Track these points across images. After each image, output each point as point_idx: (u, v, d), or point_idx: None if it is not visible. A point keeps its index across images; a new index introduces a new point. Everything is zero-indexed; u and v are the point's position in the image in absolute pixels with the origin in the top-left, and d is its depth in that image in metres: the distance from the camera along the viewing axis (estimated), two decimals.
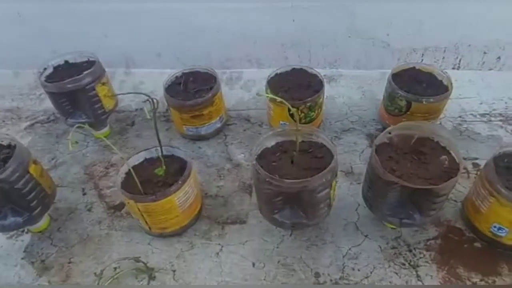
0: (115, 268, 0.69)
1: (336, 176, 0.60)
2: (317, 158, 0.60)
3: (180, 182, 0.64)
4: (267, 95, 0.52)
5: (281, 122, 0.89)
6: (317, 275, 0.66)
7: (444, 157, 0.61)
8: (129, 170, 0.65)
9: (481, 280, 0.64)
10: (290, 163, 0.60)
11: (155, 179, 0.69)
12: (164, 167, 0.67)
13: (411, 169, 0.60)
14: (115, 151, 0.94)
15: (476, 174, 0.81)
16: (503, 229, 0.63)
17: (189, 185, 0.67)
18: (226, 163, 0.88)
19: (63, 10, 1.05)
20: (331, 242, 0.71)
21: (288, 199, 0.61)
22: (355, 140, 0.92)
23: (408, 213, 0.63)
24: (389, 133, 0.65)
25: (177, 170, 0.69)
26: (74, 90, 0.82)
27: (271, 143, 0.65)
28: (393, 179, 0.57)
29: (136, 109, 1.06)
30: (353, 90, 1.07)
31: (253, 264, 0.68)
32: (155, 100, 0.60)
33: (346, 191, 0.80)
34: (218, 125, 0.93)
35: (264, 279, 0.66)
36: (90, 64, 0.87)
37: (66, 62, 0.89)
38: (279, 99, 0.52)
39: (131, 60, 1.14)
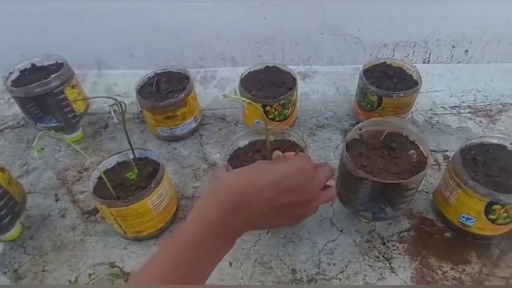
0: (90, 275, 0.68)
1: None
2: None
3: (152, 185, 0.64)
4: (233, 97, 0.51)
5: (255, 121, 0.89)
6: (293, 271, 0.67)
7: (412, 151, 0.62)
8: (103, 174, 0.64)
9: (451, 269, 0.66)
10: None
11: (128, 182, 0.68)
12: (136, 170, 0.66)
13: (381, 164, 0.61)
14: (87, 155, 0.93)
15: (446, 166, 0.83)
16: (471, 219, 0.65)
17: (162, 187, 0.67)
18: (202, 163, 0.88)
19: (31, 11, 1.02)
20: (307, 239, 0.72)
21: None
22: (329, 136, 0.93)
23: (380, 207, 0.64)
24: (360, 129, 0.66)
25: (150, 172, 0.69)
26: (42, 94, 0.79)
27: (243, 142, 0.65)
28: (363, 175, 0.58)
29: (109, 112, 1.04)
30: (328, 86, 1.08)
31: (230, 264, 0.68)
32: (123, 104, 0.59)
33: None
34: (193, 125, 0.93)
35: (241, 278, 0.66)
36: (58, 67, 0.85)
37: (33, 65, 0.87)
38: (246, 100, 0.51)
39: (103, 61, 1.12)
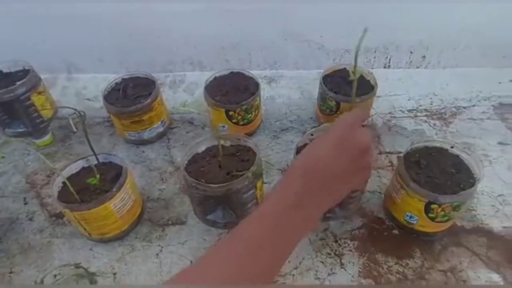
0: (55, 275, 0.70)
1: (260, 178, 0.64)
2: (243, 161, 0.64)
3: (114, 189, 0.67)
4: (182, 108, 0.55)
5: (220, 125, 0.93)
6: None
7: None
8: (66, 179, 0.67)
9: (396, 264, 0.71)
10: (218, 167, 0.64)
11: (92, 187, 0.71)
12: (97, 176, 0.69)
13: None
14: (57, 159, 0.95)
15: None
16: (414, 217, 0.70)
17: (125, 191, 0.70)
18: (169, 166, 0.91)
19: None
20: None
21: (218, 201, 0.65)
22: (292, 139, 0.97)
23: (329, 208, 0.69)
24: (312, 134, 0.70)
25: (114, 177, 0.72)
26: (9, 101, 0.81)
27: (201, 148, 0.68)
28: None
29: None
30: (293, 90, 1.12)
31: (191, 262, 0.72)
32: (82, 113, 0.62)
33: None
34: (160, 129, 0.96)
35: None
36: (24, 73, 0.87)
37: (0, 72, 0.88)
38: (195, 110, 0.55)
39: (73, 65, 1.14)
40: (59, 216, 0.81)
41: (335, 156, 0.48)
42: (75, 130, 0.62)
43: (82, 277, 0.70)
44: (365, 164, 0.52)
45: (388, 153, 0.93)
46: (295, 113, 1.05)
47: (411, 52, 1.11)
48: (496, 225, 0.76)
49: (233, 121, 0.90)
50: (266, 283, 0.46)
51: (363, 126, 0.55)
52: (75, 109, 0.61)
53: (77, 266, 0.71)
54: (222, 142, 0.69)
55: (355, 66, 0.56)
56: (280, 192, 0.48)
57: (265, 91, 1.11)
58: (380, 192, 0.84)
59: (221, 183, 0.59)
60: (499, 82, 1.10)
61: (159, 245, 0.75)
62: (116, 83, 0.93)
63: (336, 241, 0.75)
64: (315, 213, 0.50)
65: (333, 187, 0.49)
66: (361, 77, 0.94)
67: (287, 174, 0.49)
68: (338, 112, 0.90)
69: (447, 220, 0.68)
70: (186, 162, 0.65)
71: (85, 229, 0.70)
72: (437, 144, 0.74)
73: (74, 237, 0.77)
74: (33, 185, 0.89)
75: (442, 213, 0.66)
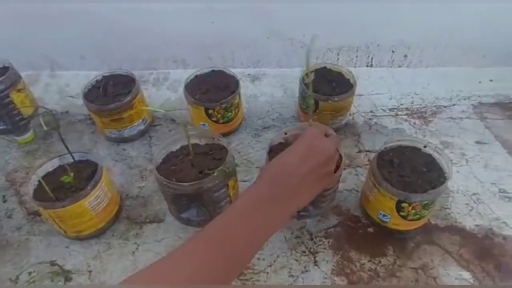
0: (29, 273, 0.71)
1: (232, 177, 0.65)
2: (215, 160, 0.65)
3: (89, 187, 0.67)
4: (151, 108, 0.55)
5: (201, 123, 0.93)
6: None
7: None
8: (42, 177, 0.67)
9: (368, 261, 0.72)
10: (191, 166, 0.65)
11: (67, 185, 0.71)
12: (71, 174, 0.69)
13: None
14: (37, 157, 0.95)
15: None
16: (387, 215, 0.71)
17: (100, 189, 0.70)
18: (149, 164, 0.92)
19: None
20: None
21: (191, 199, 0.66)
22: (273, 137, 0.97)
23: (304, 207, 0.69)
24: (285, 133, 0.71)
25: (89, 174, 0.72)
26: None
27: (176, 147, 0.69)
28: None
29: (62, 113, 1.06)
30: (276, 88, 1.12)
31: None
32: (53, 112, 0.62)
33: None
34: (142, 127, 0.96)
35: None
36: (4, 70, 0.87)
37: None
38: (161, 110, 0.55)
39: (55, 62, 1.14)
40: (37, 214, 0.81)
41: (301, 163, 0.54)
42: (45, 128, 0.62)
43: (57, 274, 0.70)
44: (329, 170, 0.58)
45: (368, 151, 0.94)
46: (278, 111, 1.05)
47: (393, 51, 1.12)
48: (469, 223, 0.77)
49: (213, 119, 0.90)
50: (231, 278, 0.49)
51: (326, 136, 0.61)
52: (46, 108, 0.62)
53: (52, 263, 0.72)
54: (197, 141, 0.70)
55: (307, 69, 0.58)
56: (250, 194, 0.52)
57: (248, 89, 1.12)
58: (357, 190, 0.84)
59: (192, 181, 0.60)
60: (479, 82, 1.11)
61: (135, 243, 0.76)
62: (97, 81, 0.93)
63: (311, 239, 0.76)
64: (284, 213, 0.54)
65: (301, 191, 0.54)
66: (341, 76, 0.95)
67: (257, 179, 0.54)
68: (317, 110, 0.91)
69: (419, 219, 0.69)
70: (160, 160, 0.66)
71: (60, 227, 0.71)
72: (411, 143, 0.74)
73: (51, 235, 0.78)
74: (13, 182, 0.89)
75: (413, 211, 0.67)
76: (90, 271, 0.72)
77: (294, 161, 0.54)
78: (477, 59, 1.11)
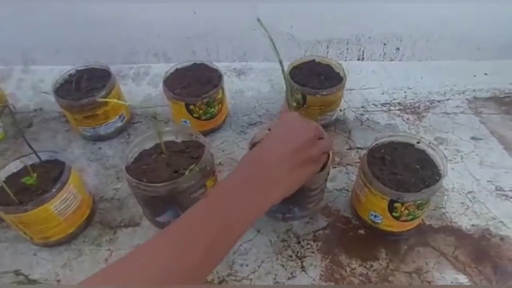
0: None
1: (211, 176, 0.60)
2: (192, 158, 0.59)
3: (54, 190, 0.62)
4: (103, 100, 0.50)
5: (182, 119, 0.87)
6: None
7: None
8: (4, 180, 0.62)
9: (359, 266, 0.67)
10: (165, 165, 0.59)
11: (34, 187, 0.65)
12: (34, 175, 0.63)
13: None
14: (7, 157, 0.89)
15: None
16: (378, 216, 0.66)
17: (68, 191, 0.64)
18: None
19: None
20: None
21: (166, 202, 0.61)
22: (255, 133, 0.92)
23: (288, 208, 0.65)
24: (269, 129, 0.65)
25: (57, 176, 0.66)
26: None
27: (150, 144, 0.63)
28: None
29: (35, 110, 1.00)
30: (263, 83, 1.07)
31: None
32: (11, 107, 0.56)
33: None
34: (119, 124, 0.90)
35: None
36: None
37: None
38: (114, 100, 0.50)
39: (29, 57, 1.07)
40: (2, 219, 0.75)
41: (278, 146, 0.51)
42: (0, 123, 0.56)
43: (22, 284, 0.65)
44: (309, 155, 0.53)
45: (359, 148, 0.89)
46: (265, 107, 1.00)
47: (385, 44, 1.07)
48: (465, 223, 0.73)
49: (195, 115, 0.85)
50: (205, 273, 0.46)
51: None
52: (9, 106, 0.55)
53: (17, 273, 0.66)
54: (173, 138, 0.64)
55: (283, 72, 0.58)
56: (224, 181, 0.49)
57: (233, 84, 1.06)
58: (347, 190, 0.80)
59: (166, 182, 0.54)
60: (474, 75, 1.07)
61: (109, 249, 0.70)
62: (70, 75, 0.87)
63: (298, 242, 0.71)
64: (261, 200, 0.49)
65: (279, 177, 0.50)
66: (330, 69, 0.90)
67: (236, 166, 0.51)
68: (305, 105, 0.86)
69: (412, 219, 0.65)
70: (131, 159, 0.60)
71: (25, 233, 0.65)
72: (403, 139, 0.70)
73: (18, 242, 0.72)
74: None
75: (406, 212, 0.63)
76: (58, 281, 0.66)
77: (270, 146, 0.51)
78: (471, 52, 1.07)
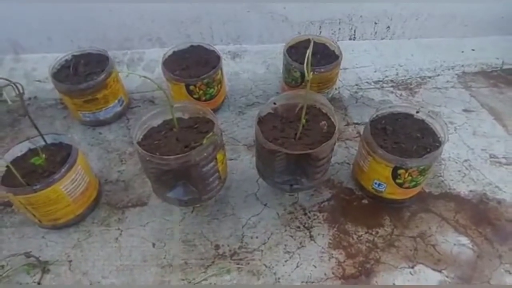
0: (2, 266, 0.64)
1: (220, 150, 0.61)
2: (201, 133, 0.60)
3: (63, 170, 0.61)
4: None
5: (182, 100, 0.87)
6: (217, 247, 0.68)
7: (323, 122, 0.64)
8: (10, 162, 0.61)
9: (366, 233, 0.69)
10: (175, 140, 0.60)
11: (40, 169, 0.65)
12: (43, 155, 0.63)
13: (294, 136, 0.62)
14: (4, 145, 0.88)
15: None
16: (382, 184, 0.68)
17: (76, 172, 0.64)
18: (128, 146, 0.86)
19: None
20: (231, 215, 0.73)
21: (177, 176, 0.61)
22: (261, 108, 0.93)
23: (296, 179, 0.66)
24: (274, 103, 0.67)
25: (64, 158, 0.66)
26: None
27: (157, 121, 0.64)
28: (274, 147, 0.59)
29: (30, 98, 0.98)
30: (258, 65, 1.08)
31: (153, 245, 0.68)
32: (18, 85, 0.55)
33: (248, 164, 0.81)
34: (118, 108, 0.90)
35: (164, 258, 0.66)
36: None
37: None
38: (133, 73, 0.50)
39: (19, 45, 1.05)
40: (8, 204, 0.75)
41: None
42: (10, 102, 0.56)
43: (33, 266, 0.65)
44: None
45: (356, 124, 0.91)
46: (261, 88, 1.01)
47: (376, 23, 1.09)
48: (463, 189, 0.76)
49: (195, 96, 0.85)
50: None
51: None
52: (9, 80, 0.55)
53: (28, 255, 0.65)
54: (180, 114, 0.65)
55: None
56: None
57: (229, 66, 1.07)
58: (348, 163, 0.82)
59: (177, 155, 0.55)
60: (462, 51, 1.10)
61: (118, 229, 0.70)
62: (66, 60, 0.86)
63: (305, 214, 0.73)
64: None
65: None
66: (325, 47, 0.92)
67: None
68: (303, 83, 0.87)
69: (414, 186, 0.67)
70: (141, 136, 0.61)
71: (34, 215, 0.65)
72: (403, 110, 0.72)
73: (25, 226, 0.71)
74: None
75: (410, 178, 0.65)
76: (70, 261, 0.66)
77: None
78: (458, 29, 1.10)
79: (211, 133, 0.57)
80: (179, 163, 0.55)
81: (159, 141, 0.59)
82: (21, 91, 0.56)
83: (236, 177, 0.79)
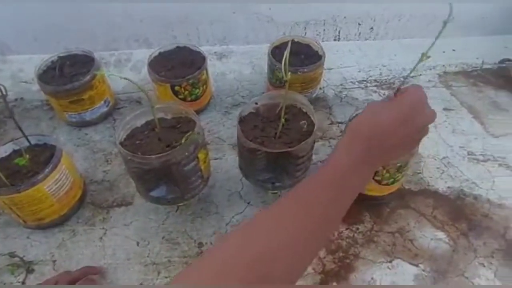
0: None
1: (202, 149, 0.62)
2: (183, 132, 0.61)
3: (47, 170, 0.62)
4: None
5: (166, 101, 0.89)
6: (200, 245, 0.69)
7: (303, 121, 0.65)
8: None
9: (346, 229, 0.71)
10: (157, 140, 0.61)
11: (24, 170, 0.66)
12: (26, 156, 0.64)
13: (274, 135, 0.64)
14: None
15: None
16: None
17: (60, 172, 0.65)
18: (114, 147, 0.87)
19: None
20: (215, 213, 0.74)
21: (159, 176, 0.62)
22: (243, 107, 0.95)
23: (277, 177, 0.68)
24: (256, 103, 0.68)
25: (48, 158, 0.67)
26: None
27: (140, 122, 0.65)
28: (254, 146, 0.60)
29: (16, 99, 0.99)
30: (244, 65, 1.09)
31: (137, 243, 0.69)
32: (1, 87, 0.56)
33: (232, 163, 0.83)
34: (104, 109, 0.91)
35: (148, 256, 0.67)
36: None
37: None
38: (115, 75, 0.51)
39: (6, 46, 1.05)
40: None
41: (401, 124, 0.47)
42: None
43: (18, 266, 0.65)
44: (418, 138, 0.53)
45: (340, 123, 0.93)
46: (247, 88, 1.03)
47: (359, 24, 1.11)
48: (441, 186, 0.78)
49: (180, 97, 0.86)
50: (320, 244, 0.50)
51: None
52: None
53: (12, 255, 0.66)
54: (162, 115, 0.66)
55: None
56: (342, 154, 0.47)
57: (215, 67, 1.08)
58: None
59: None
60: (443, 52, 1.12)
61: (103, 228, 0.71)
62: (52, 62, 0.87)
63: None
64: (369, 176, 0.50)
65: (391, 154, 0.50)
66: (309, 48, 0.93)
67: (350, 136, 0.48)
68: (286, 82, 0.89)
69: (393, 183, 0.69)
70: (124, 136, 0.62)
71: (18, 215, 0.65)
72: None
73: (9, 226, 0.72)
74: None
75: (387, 175, 0.67)
76: (54, 261, 0.67)
77: (394, 122, 0.47)
78: (440, 29, 1.12)
79: (190, 132, 0.58)
80: (160, 162, 0.56)
81: (141, 141, 0.60)
82: (4, 92, 0.57)
83: (221, 176, 0.80)
